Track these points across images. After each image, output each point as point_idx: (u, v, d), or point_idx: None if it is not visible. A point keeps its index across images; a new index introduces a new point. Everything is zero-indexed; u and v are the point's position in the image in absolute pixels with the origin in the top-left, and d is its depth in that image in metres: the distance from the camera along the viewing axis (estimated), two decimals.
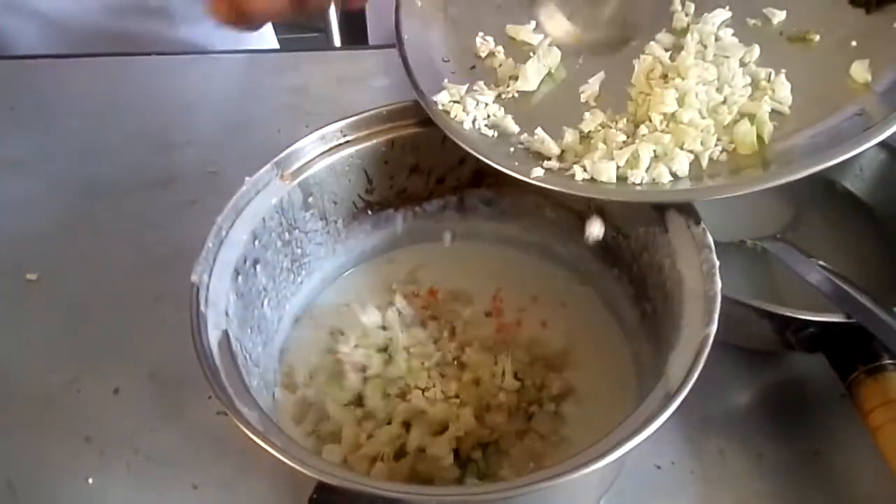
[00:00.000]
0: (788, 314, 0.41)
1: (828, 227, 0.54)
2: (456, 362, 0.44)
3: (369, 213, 0.50)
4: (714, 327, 0.33)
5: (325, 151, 0.45)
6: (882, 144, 0.53)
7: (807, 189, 0.55)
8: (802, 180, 0.55)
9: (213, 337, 0.35)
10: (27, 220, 0.60)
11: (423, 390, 0.41)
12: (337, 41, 1.59)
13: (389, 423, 0.41)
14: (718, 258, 0.50)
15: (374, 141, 0.47)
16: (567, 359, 0.47)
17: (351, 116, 0.45)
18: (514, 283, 0.52)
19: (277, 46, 0.98)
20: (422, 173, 0.50)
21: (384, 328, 0.46)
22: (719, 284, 0.35)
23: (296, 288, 0.48)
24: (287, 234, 0.45)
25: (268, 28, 1.00)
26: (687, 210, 0.39)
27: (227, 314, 0.37)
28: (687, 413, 0.46)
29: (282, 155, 0.43)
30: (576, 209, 0.48)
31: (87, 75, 0.78)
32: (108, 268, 0.57)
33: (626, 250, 0.45)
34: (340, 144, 0.45)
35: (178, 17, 0.84)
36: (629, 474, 0.43)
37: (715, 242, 0.50)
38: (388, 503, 0.28)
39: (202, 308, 0.35)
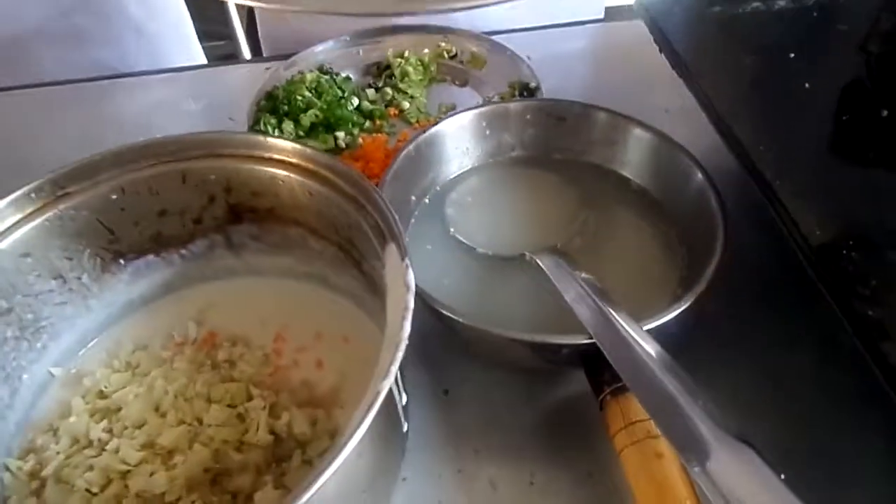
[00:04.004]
0: (527, 339, 0.39)
1: (618, 220, 0.52)
2: (189, 428, 0.40)
3: (122, 262, 0.47)
4: (386, 382, 0.30)
5: (29, 213, 0.41)
6: (662, 137, 0.52)
7: (598, 186, 0.54)
8: (595, 178, 0.55)
9: None
10: None
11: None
12: (246, 52, 1.54)
13: None
14: (502, 274, 0.49)
15: (99, 189, 0.43)
16: (336, 398, 0.44)
17: (61, 169, 0.42)
18: (300, 319, 0.49)
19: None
20: (173, 216, 0.46)
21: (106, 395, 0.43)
22: (407, 331, 0.32)
23: (36, 355, 0.44)
24: (3, 301, 0.41)
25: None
26: (401, 246, 0.36)
27: None
28: (461, 445, 0.44)
29: None
30: (332, 239, 0.46)
31: None
32: None
33: (381, 283, 0.43)
34: (50, 201, 0.42)
35: None
36: None
37: (499, 258, 0.50)
38: None
39: None
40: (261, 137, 0.43)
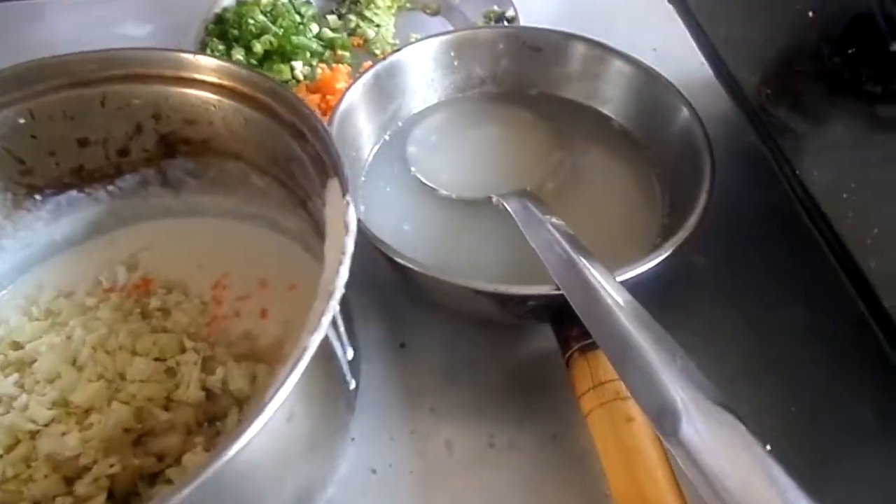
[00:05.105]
0: (492, 290, 0.35)
1: (595, 161, 0.48)
2: (108, 384, 0.36)
3: (38, 197, 0.42)
4: (315, 337, 0.26)
5: None
6: (628, 59, 0.47)
7: (575, 124, 0.49)
8: (571, 115, 0.50)
9: None
10: None
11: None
12: None
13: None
14: (466, 218, 0.45)
15: (6, 112, 0.37)
16: (279, 353, 0.40)
17: None
18: (243, 265, 0.44)
19: None
20: (95, 145, 0.41)
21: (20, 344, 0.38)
22: (342, 278, 0.27)
23: None
24: None
25: None
26: (343, 182, 0.31)
27: None
28: (417, 403, 0.40)
29: None
30: (276, 176, 0.41)
31: None
32: None
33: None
34: None
35: None
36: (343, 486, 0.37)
37: (463, 202, 0.45)
38: None
39: None
40: (186, 55, 0.37)
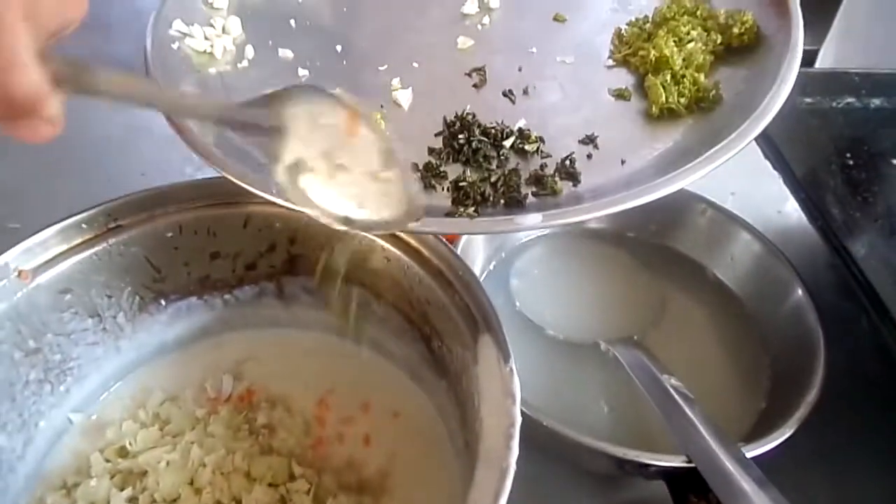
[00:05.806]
0: (620, 455, 0.35)
1: (696, 316, 0.49)
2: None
3: (162, 303, 0.42)
4: None
5: (76, 245, 0.36)
6: (758, 236, 0.49)
7: (676, 274, 0.51)
8: (672, 265, 0.52)
9: None
10: None
11: None
12: None
13: None
14: (574, 361, 0.45)
15: (155, 225, 0.39)
16: (385, 484, 0.40)
17: (116, 200, 0.37)
18: (346, 385, 0.45)
19: None
20: (226, 258, 0.42)
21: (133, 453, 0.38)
22: (515, 454, 0.28)
23: (57, 399, 0.39)
24: (32, 341, 0.36)
25: None
26: (501, 343, 0.32)
27: None
28: None
29: (18, 250, 0.35)
30: (402, 309, 0.41)
31: None
32: None
33: (452, 365, 0.38)
34: (101, 233, 0.37)
35: None
36: None
37: (570, 344, 0.46)
38: None
39: None
40: None
